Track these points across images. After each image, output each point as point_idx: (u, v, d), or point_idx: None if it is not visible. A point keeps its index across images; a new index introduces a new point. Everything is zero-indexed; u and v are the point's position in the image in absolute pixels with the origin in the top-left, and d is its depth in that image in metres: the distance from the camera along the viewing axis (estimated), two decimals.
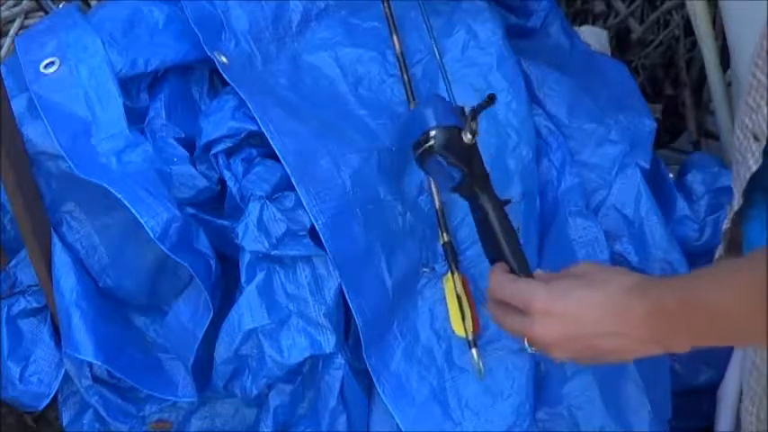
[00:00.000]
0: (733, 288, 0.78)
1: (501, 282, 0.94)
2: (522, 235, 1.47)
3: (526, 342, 0.92)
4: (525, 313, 0.89)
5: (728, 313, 0.78)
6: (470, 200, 1.04)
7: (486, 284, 1.43)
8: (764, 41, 0.85)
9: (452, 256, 1.42)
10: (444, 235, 1.43)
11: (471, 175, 1.03)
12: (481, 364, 1.37)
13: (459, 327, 1.38)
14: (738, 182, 0.90)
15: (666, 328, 0.82)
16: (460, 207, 1.49)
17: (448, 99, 1.16)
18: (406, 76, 1.51)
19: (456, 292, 1.39)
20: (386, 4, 1.55)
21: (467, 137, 1.04)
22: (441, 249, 1.46)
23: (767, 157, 0.86)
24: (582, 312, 0.86)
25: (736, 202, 0.90)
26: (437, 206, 1.45)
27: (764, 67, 0.85)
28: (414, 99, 1.50)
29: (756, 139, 0.86)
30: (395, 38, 1.53)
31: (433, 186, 1.46)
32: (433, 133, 1.04)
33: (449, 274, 1.41)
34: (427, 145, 1.04)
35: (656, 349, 0.84)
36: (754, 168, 0.86)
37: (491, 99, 1.05)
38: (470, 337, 1.37)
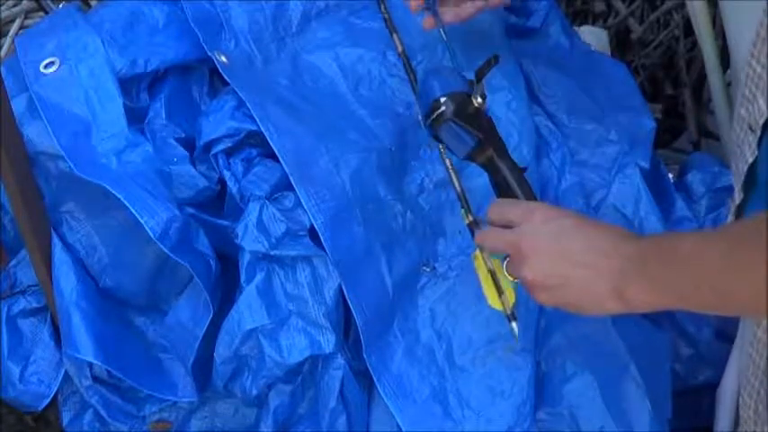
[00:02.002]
0: (709, 238, 0.79)
1: (504, 201, 1.00)
2: None
3: (504, 265, 0.96)
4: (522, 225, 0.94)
5: (700, 260, 0.78)
6: (487, 166, 1.04)
7: None
8: (761, 30, 0.85)
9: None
10: (468, 215, 1.40)
11: (485, 140, 1.04)
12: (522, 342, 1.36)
13: (496, 301, 1.34)
14: (738, 176, 0.90)
15: (636, 270, 0.83)
16: (472, 200, 1.49)
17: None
18: (410, 73, 1.50)
19: (488, 267, 1.35)
20: (383, 6, 1.55)
21: (477, 100, 1.04)
22: (441, 249, 1.46)
23: (763, 149, 0.86)
24: (571, 235, 0.89)
25: (737, 196, 0.90)
26: (458, 189, 1.42)
27: (760, 57, 0.85)
28: (417, 93, 1.50)
29: (752, 130, 0.87)
30: (395, 36, 1.53)
31: (452, 173, 1.44)
32: (443, 100, 1.05)
33: (476, 251, 1.37)
34: (438, 112, 1.05)
35: (618, 303, 0.85)
36: (750, 160, 0.87)
37: (495, 59, 1.07)
38: (509, 311, 1.34)
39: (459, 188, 1.43)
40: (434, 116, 1.06)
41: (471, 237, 1.40)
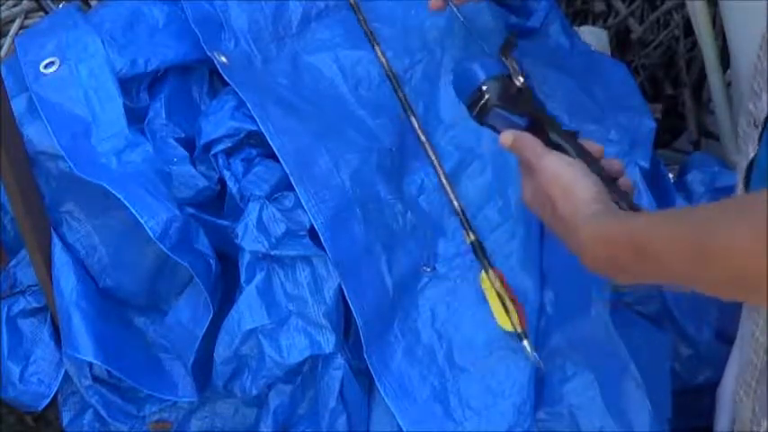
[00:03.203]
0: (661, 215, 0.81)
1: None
2: (524, 233, 1.47)
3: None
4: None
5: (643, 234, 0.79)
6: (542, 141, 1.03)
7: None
8: None
9: (482, 253, 1.42)
10: (470, 234, 1.44)
11: (535, 118, 1.03)
12: (536, 354, 1.38)
13: (506, 322, 1.38)
14: (741, 171, 0.90)
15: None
16: (472, 201, 1.49)
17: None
18: (395, 83, 1.51)
19: (495, 289, 1.39)
20: (360, 16, 1.56)
21: (518, 80, 1.03)
22: (441, 249, 1.46)
23: (762, 145, 0.87)
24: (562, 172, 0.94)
25: (740, 191, 0.91)
26: (457, 207, 1.46)
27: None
28: (409, 107, 1.50)
29: (755, 125, 0.87)
30: (377, 49, 1.54)
31: (449, 190, 1.46)
32: (484, 87, 1.03)
33: (482, 273, 1.41)
34: (483, 101, 1.03)
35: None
36: (752, 155, 0.87)
37: (513, 38, 1.05)
38: (519, 330, 1.38)
39: (458, 206, 1.44)
40: (479, 106, 1.04)
41: (475, 255, 1.43)
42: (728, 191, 1.40)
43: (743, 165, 0.89)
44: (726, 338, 1.51)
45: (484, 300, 1.45)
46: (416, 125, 1.50)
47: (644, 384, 1.43)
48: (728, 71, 1.81)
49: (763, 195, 0.67)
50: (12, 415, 1.59)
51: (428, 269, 1.46)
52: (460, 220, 1.45)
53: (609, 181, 0.97)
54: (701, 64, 1.94)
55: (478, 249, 1.43)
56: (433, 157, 1.49)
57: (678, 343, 1.59)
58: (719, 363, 1.48)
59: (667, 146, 2.21)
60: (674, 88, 2.39)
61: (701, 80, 2.25)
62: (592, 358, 1.44)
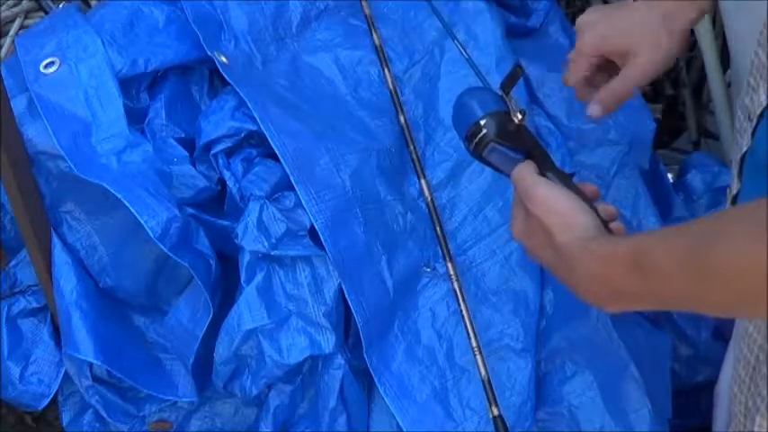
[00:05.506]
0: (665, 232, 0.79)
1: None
2: None
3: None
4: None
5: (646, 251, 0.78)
6: None
7: (488, 284, 1.43)
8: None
9: (503, 428, 1.31)
10: (494, 408, 1.32)
11: (531, 155, 1.03)
12: None
13: None
14: (735, 165, 0.90)
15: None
16: (461, 207, 1.49)
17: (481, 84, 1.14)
18: (392, 86, 1.51)
19: None
20: (366, 11, 1.55)
21: (517, 117, 1.03)
22: (441, 251, 1.46)
23: (756, 139, 0.86)
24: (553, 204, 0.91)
25: (734, 186, 0.90)
26: (466, 317, 1.39)
27: (766, 46, 0.85)
28: (401, 108, 1.50)
29: (750, 119, 0.86)
30: (376, 38, 1.53)
31: (451, 269, 1.44)
32: (483, 122, 1.03)
33: None
34: (480, 135, 1.04)
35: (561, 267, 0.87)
36: (745, 149, 0.87)
37: (520, 70, 1.04)
38: None
39: (468, 318, 1.39)
40: (477, 140, 1.04)
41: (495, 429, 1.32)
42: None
43: (737, 158, 0.89)
44: (724, 338, 1.51)
45: (484, 299, 1.46)
46: (411, 144, 1.49)
47: (644, 384, 1.44)
48: (728, 71, 1.81)
49: (761, 203, 0.67)
50: (12, 415, 1.59)
51: (428, 269, 1.46)
52: (485, 388, 1.35)
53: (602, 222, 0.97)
54: (701, 64, 1.95)
55: (500, 425, 1.32)
56: (424, 184, 1.48)
57: (677, 343, 1.59)
58: (718, 362, 1.48)
59: (667, 146, 2.21)
60: (674, 88, 2.39)
61: (701, 80, 2.25)
62: (592, 358, 1.44)
